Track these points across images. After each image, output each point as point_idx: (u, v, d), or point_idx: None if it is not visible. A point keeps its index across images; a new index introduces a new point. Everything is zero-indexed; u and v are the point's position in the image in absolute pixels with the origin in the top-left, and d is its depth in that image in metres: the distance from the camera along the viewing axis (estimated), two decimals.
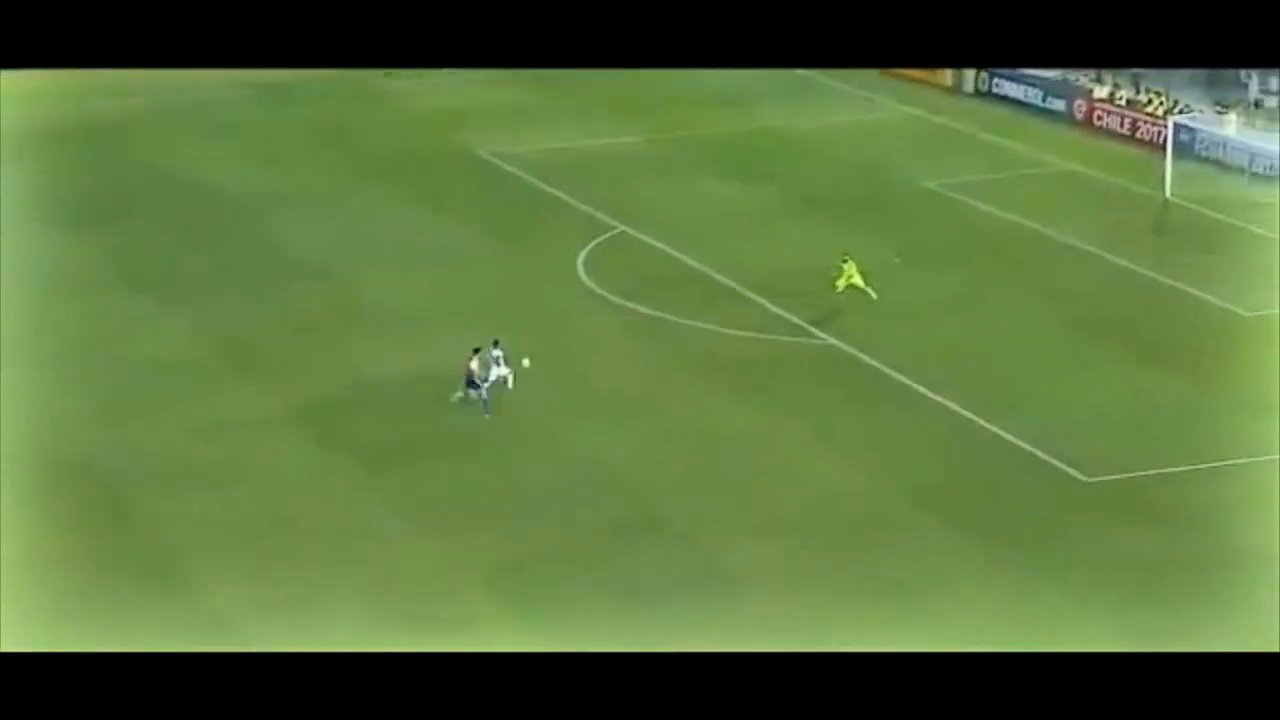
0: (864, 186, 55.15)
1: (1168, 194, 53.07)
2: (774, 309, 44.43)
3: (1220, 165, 54.99)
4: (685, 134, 61.00)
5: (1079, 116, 61.64)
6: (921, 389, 39.58)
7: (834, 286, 43.79)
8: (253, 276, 47.08)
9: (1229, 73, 60.84)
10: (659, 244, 49.48)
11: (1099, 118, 60.96)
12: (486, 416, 37.54)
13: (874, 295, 43.67)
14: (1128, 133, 59.59)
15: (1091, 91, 61.98)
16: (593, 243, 49.89)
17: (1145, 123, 59.03)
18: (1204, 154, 55.58)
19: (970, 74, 65.83)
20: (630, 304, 45.03)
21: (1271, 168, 53.63)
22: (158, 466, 35.78)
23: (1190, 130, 55.72)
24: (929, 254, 48.70)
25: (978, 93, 65.62)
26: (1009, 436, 37.10)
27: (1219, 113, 57.56)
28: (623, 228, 51.05)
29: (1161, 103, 59.56)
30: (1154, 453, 36.20)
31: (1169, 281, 46.05)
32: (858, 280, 43.70)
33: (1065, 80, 63.32)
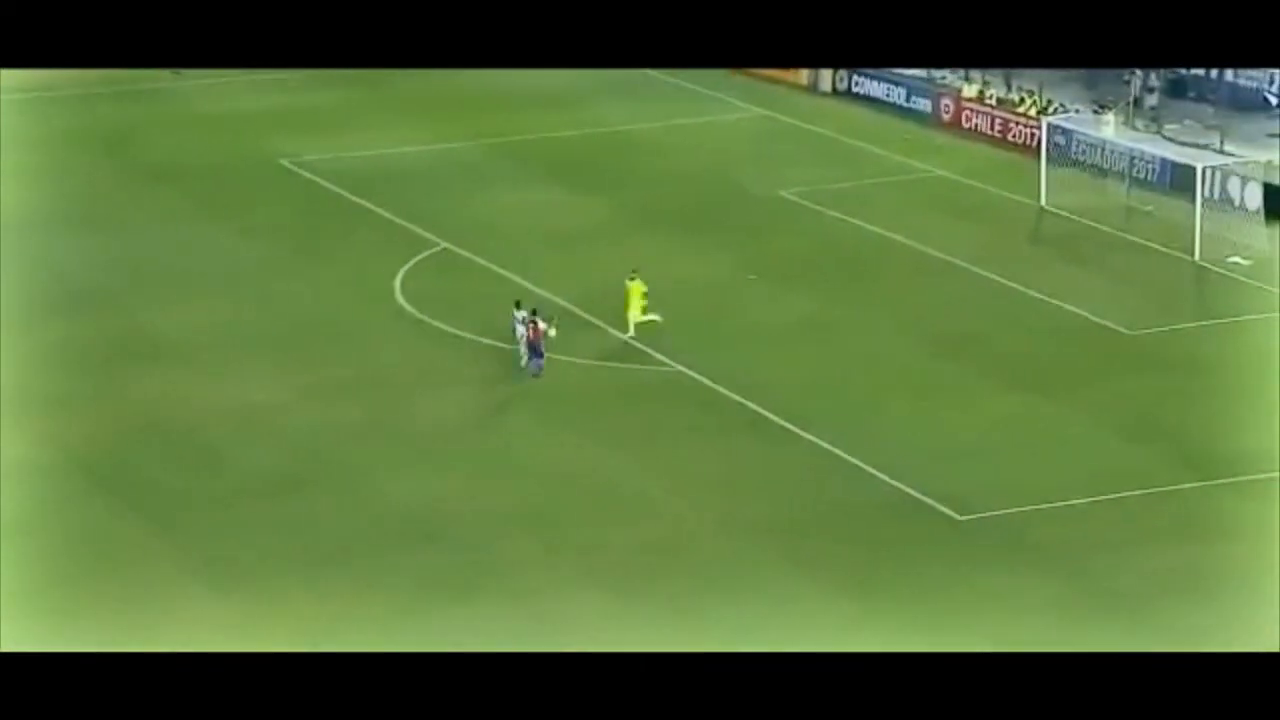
0: (710, 195, 55.49)
1: (1042, 202, 54.02)
2: (613, 332, 44.48)
3: (1098, 170, 56.06)
4: (510, 139, 60.98)
5: (946, 117, 62.58)
6: (776, 418, 39.83)
7: (628, 321, 43.34)
8: (15, 307, 46.09)
9: (1106, 70, 62.21)
10: (485, 262, 49.34)
11: (967, 118, 61.93)
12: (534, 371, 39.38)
13: (659, 319, 43.48)
14: (999, 135, 60.58)
15: (960, 90, 62.95)
16: (411, 261, 49.61)
17: (1018, 124, 60.06)
18: (1081, 158, 56.63)
19: (827, 71, 66.55)
20: (454, 330, 44.81)
21: (1153, 172, 54.82)
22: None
23: (1066, 132, 56.73)
24: (783, 270, 49.09)
25: (835, 92, 66.37)
26: (872, 470, 37.45)
27: (1096, 113, 58.68)
28: (444, 244, 50.83)
29: (1035, 102, 60.64)
30: (1031, 487, 36.72)
31: (1044, 298, 46.86)
32: (637, 311, 43.24)
33: (931, 78, 64.27)
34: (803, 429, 39.33)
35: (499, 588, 32.89)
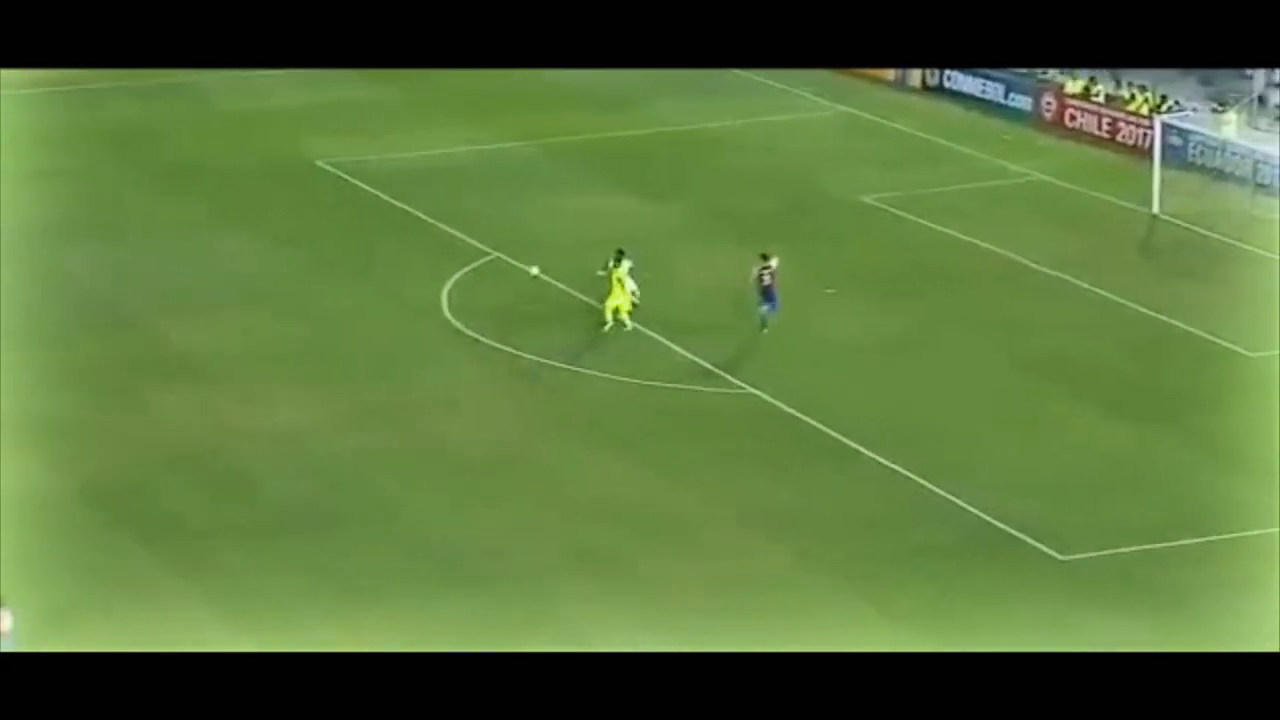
0: (786, 201, 55.71)
1: (1155, 209, 53.98)
2: (679, 350, 44.74)
3: (1218, 174, 55.98)
4: (567, 139, 61.37)
5: (1048, 116, 62.62)
6: (857, 445, 39.97)
7: (604, 318, 45.00)
8: (23, 321, 46.67)
9: None
10: (543, 275, 49.62)
11: (1072, 117, 61.96)
12: None
13: (628, 325, 45.07)
14: (1107, 135, 60.58)
15: (1063, 86, 62.99)
16: (460, 272, 50.02)
17: (1128, 123, 60.04)
18: (1198, 161, 56.58)
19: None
20: (506, 347, 45.16)
21: (1278, 177, 54.65)
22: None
23: (1182, 132, 56.68)
24: (865, 283, 49.24)
25: (925, 87, 66.52)
26: (963, 503, 37.54)
27: (1216, 111, 58.57)
28: (495, 254, 51.22)
29: (1147, 100, 60.60)
30: (1139, 524, 36.72)
31: (1155, 314, 46.85)
32: (619, 299, 44.96)
33: (1031, 73, 64.33)
34: (887, 457, 39.45)
35: (553, 632, 33.09)
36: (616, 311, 45.71)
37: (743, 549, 36.17)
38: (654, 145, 61.01)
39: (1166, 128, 56.22)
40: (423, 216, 54.15)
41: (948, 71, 65.80)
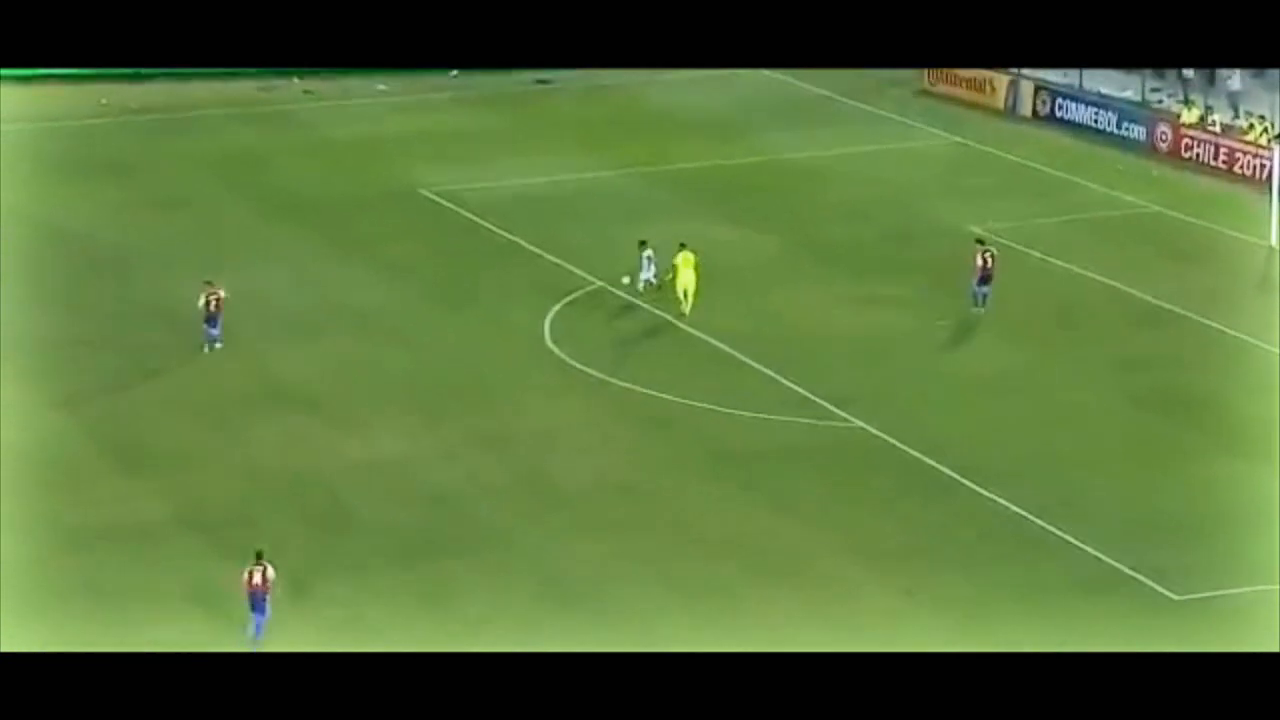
0: (894, 231, 55.56)
1: (1273, 241, 53.48)
2: (786, 383, 44.66)
3: None
4: (670, 167, 61.48)
5: (1163, 146, 62.18)
6: (968, 482, 39.77)
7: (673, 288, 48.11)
8: (135, 346, 47.16)
9: None
10: (643, 303, 49.75)
11: (1187, 147, 61.47)
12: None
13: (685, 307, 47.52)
14: (1224, 165, 60.08)
15: (1178, 115, 62.53)
16: (562, 302, 50.15)
17: (1245, 154, 59.52)
18: None
19: (1027, 93, 66.45)
20: (611, 379, 45.22)
21: None
22: (19, 584, 35.70)
23: None
24: (974, 315, 49.00)
25: (1036, 115, 66.23)
26: (1076, 541, 37.26)
27: None
28: (599, 283, 51.33)
29: (1266, 129, 60.05)
30: (1257, 564, 36.34)
31: (1275, 350, 46.37)
32: (686, 279, 47.89)
33: (1145, 102, 63.92)
34: (998, 494, 39.23)
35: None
36: (685, 293, 48.07)
37: (849, 585, 36.04)
38: (760, 175, 61.00)
39: None
40: (526, 245, 54.33)
41: (1059, 99, 65.50)
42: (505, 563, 36.85)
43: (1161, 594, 35.48)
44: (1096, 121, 64.37)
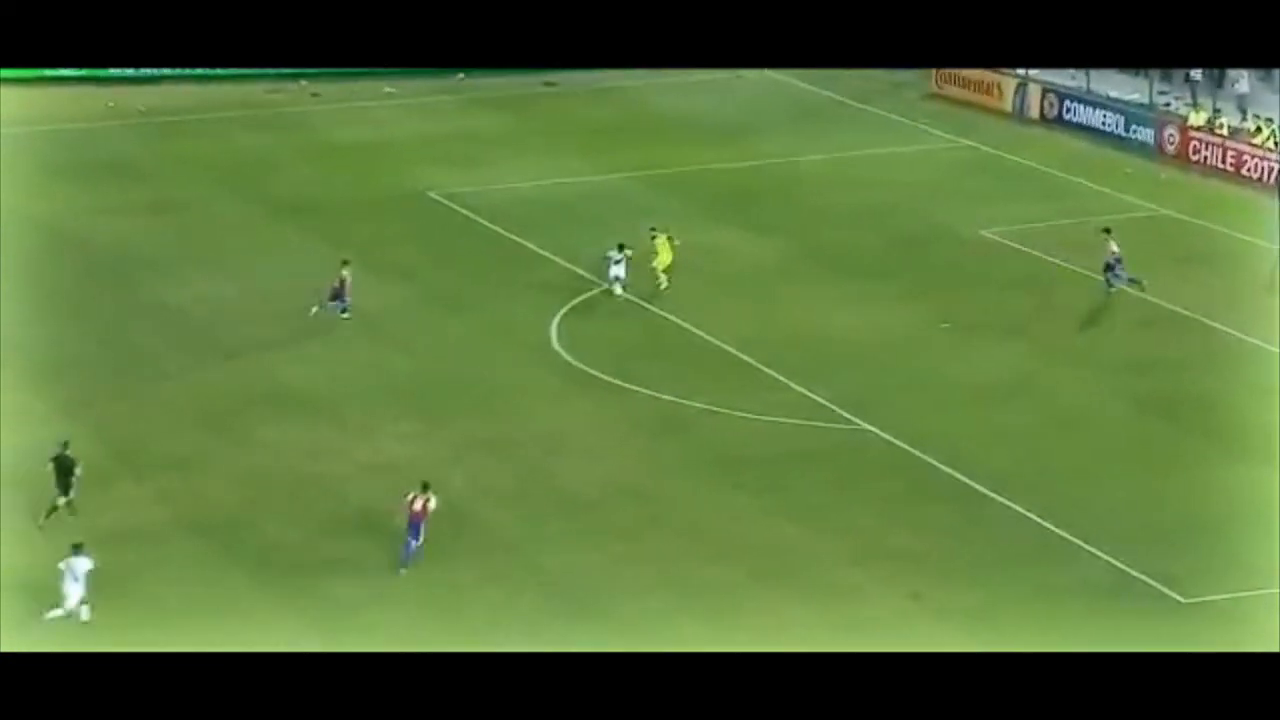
0: (902, 235, 55.54)
1: None
2: (795, 387, 44.63)
3: None
4: (677, 170, 61.46)
5: (1170, 149, 62.16)
6: (975, 484, 39.75)
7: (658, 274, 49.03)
8: (137, 352, 47.14)
9: None
10: (651, 306, 49.74)
11: (1195, 150, 61.44)
12: None
13: (664, 284, 49.20)
14: (1232, 169, 60.06)
15: (1186, 119, 62.50)
16: (569, 305, 50.15)
17: (1254, 156, 59.49)
18: None
19: (1035, 96, 66.44)
20: (617, 382, 45.21)
21: None
22: (22, 584, 35.70)
23: None
24: (984, 319, 49.00)
25: (1043, 118, 66.22)
26: (1083, 544, 37.25)
27: None
28: (605, 285, 51.32)
29: (1273, 132, 60.02)
30: (1264, 567, 36.32)
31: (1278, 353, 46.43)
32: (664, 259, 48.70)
33: (1152, 105, 63.89)
34: (1005, 497, 39.21)
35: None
36: (666, 270, 49.00)
37: (856, 589, 36.02)
38: (766, 178, 60.99)
39: None
40: (532, 247, 54.33)
41: (1067, 103, 65.48)
42: (511, 568, 36.83)
43: (1170, 597, 35.45)
44: (1104, 124, 64.36)
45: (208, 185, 60.48)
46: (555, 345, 47.58)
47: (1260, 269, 51.61)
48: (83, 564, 34.23)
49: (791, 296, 50.61)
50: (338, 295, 48.35)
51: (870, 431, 42.47)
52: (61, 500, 37.79)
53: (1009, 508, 38.86)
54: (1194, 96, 64.21)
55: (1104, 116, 64.45)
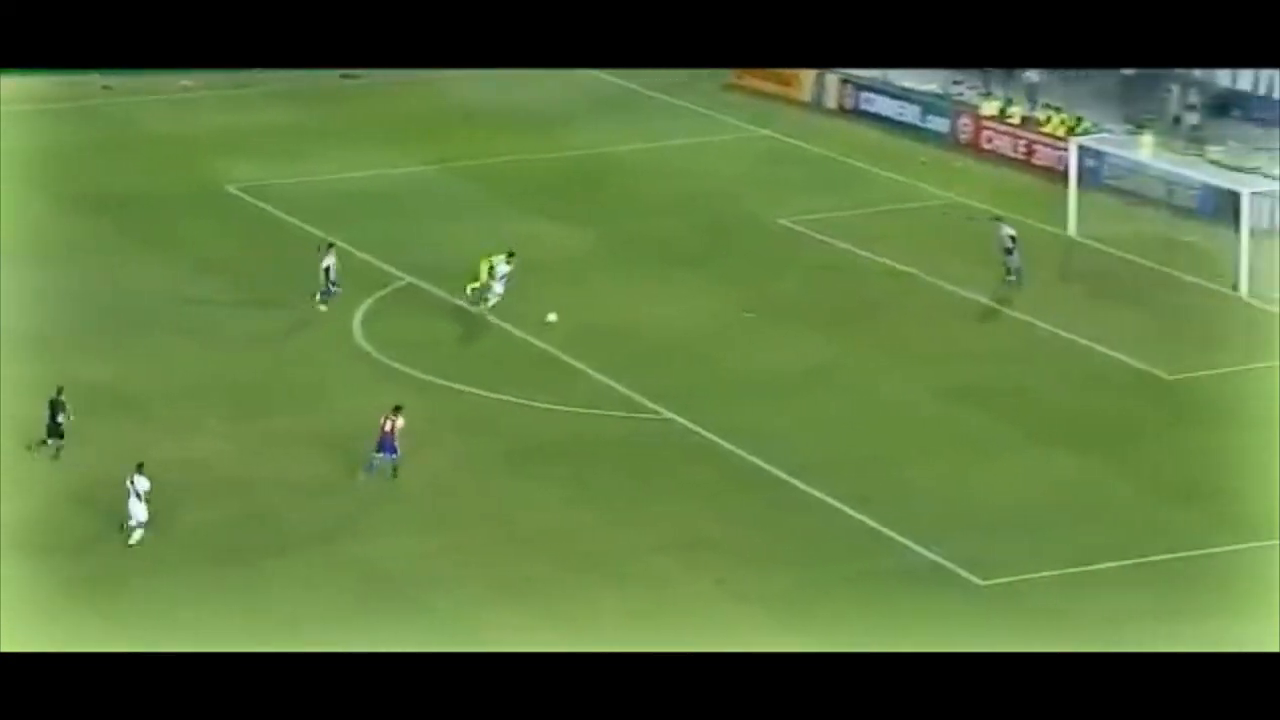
0: (705, 224, 56.10)
1: (1072, 232, 54.63)
2: (599, 378, 44.98)
3: (1134, 196, 56.71)
4: (484, 162, 61.56)
5: (964, 138, 63.26)
6: (780, 473, 40.34)
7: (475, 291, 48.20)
8: None
9: (1142, 84, 62.93)
10: (456, 299, 49.84)
11: (988, 139, 62.60)
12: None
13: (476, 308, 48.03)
14: (1023, 157, 61.25)
15: (978, 108, 63.64)
16: (372, 298, 50.11)
17: (1044, 145, 60.71)
18: (1114, 183, 57.29)
19: (833, 87, 67.30)
20: (423, 375, 45.28)
21: (1195, 199, 55.44)
22: None
23: (1097, 154, 57.33)
24: (786, 307, 49.66)
25: (842, 109, 67.07)
26: (887, 530, 37.97)
27: (1131, 133, 59.28)
28: (409, 279, 51.35)
29: (1063, 121, 61.31)
30: (1061, 550, 37.24)
31: (1075, 339, 47.45)
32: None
33: (947, 95, 65.00)
34: (810, 485, 39.84)
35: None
36: (474, 290, 48.27)
37: (662, 577, 36.46)
38: (572, 169, 61.28)
39: (1082, 150, 56.72)
40: (334, 241, 54.11)
41: (864, 93, 66.39)
42: (321, 561, 36.85)
43: (968, 580, 36.24)
44: (900, 114, 65.28)
45: (8, 178, 59.40)
46: (359, 338, 47.55)
47: (1051, 256, 52.79)
48: (143, 483, 36.93)
49: (599, 287, 50.93)
50: (327, 287, 48.60)
51: (676, 421, 42.95)
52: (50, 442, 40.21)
53: (814, 496, 39.50)
54: (987, 86, 65.41)
55: (900, 107, 65.41)
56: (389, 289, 50.74)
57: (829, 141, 63.53)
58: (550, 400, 43.59)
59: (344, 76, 69.26)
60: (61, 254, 53.11)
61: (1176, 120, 61.28)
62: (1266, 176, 54.80)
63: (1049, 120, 61.72)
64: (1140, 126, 59.87)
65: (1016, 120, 62.54)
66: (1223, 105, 62.24)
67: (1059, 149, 59.21)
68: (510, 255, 48.45)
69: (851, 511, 38.77)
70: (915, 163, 61.33)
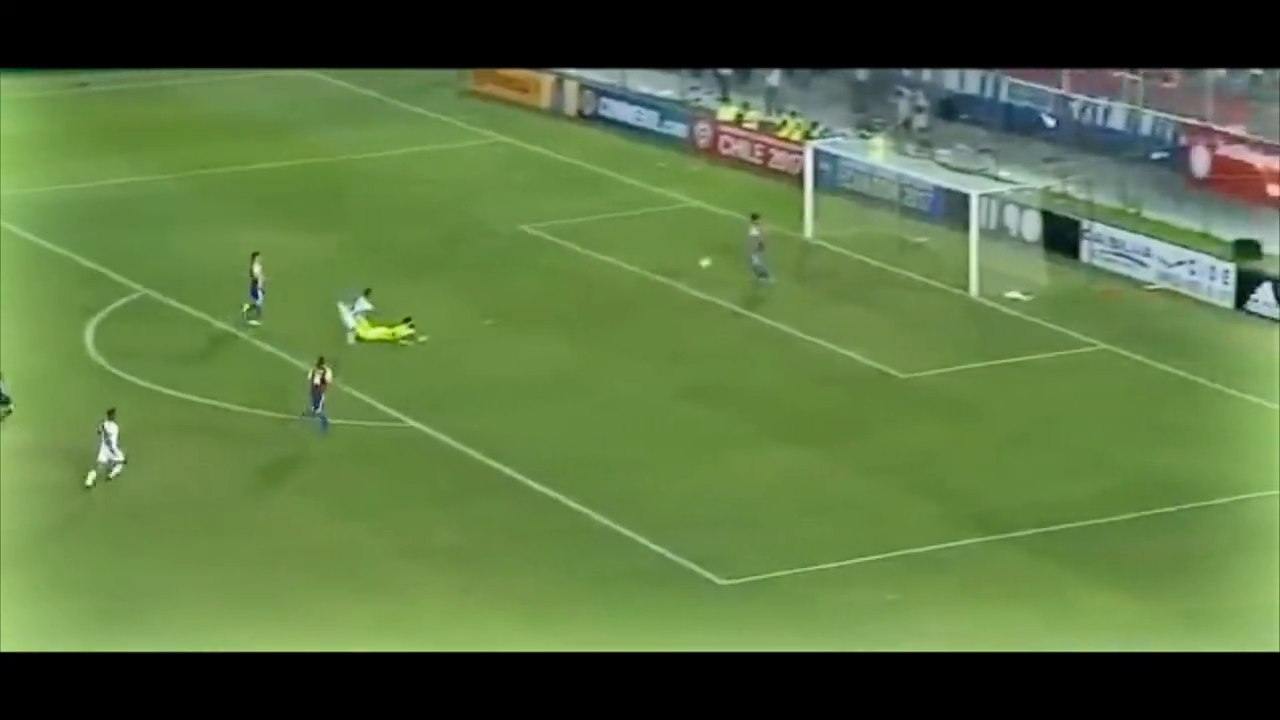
0: (444, 231, 56.12)
1: (808, 234, 55.49)
2: (343, 388, 44.75)
3: (867, 199, 57.74)
4: (216, 171, 60.96)
5: (702, 143, 63.93)
6: (523, 478, 40.54)
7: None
8: None
9: (873, 88, 64.15)
10: (194, 311, 49.33)
11: (725, 144, 63.32)
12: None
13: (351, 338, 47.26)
14: (760, 162, 62.04)
15: (716, 113, 64.37)
16: (106, 310, 49.41)
17: (780, 150, 61.55)
18: (849, 186, 58.28)
19: (571, 93, 67.64)
20: (158, 388, 44.76)
21: (926, 201, 56.62)
22: None
23: (831, 158, 58.22)
24: (526, 313, 49.87)
25: (581, 115, 67.44)
26: (628, 532, 38.33)
27: (864, 137, 60.37)
28: (145, 290, 50.71)
29: (798, 125, 62.25)
30: (801, 547, 37.86)
31: (811, 339, 48.23)
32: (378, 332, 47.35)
33: (684, 100, 65.66)
34: (552, 489, 40.08)
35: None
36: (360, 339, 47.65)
37: (407, 584, 36.45)
38: (308, 177, 60.87)
39: (817, 154, 57.51)
40: (62, 252, 53.31)
41: (603, 99, 66.82)
42: (54, 573, 36.27)
43: (707, 579, 36.69)
44: (639, 120, 65.76)
45: None
46: (92, 352, 46.85)
47: (789, 258, 53.55)
48: (113, 428, 39.00)
49: (334, 294, 50.61)
50: (254, 290, 48.00)
51: (417, 429, 42.94)
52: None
53: (557, 500, 39.74)
54: (724, 91, 66.17)
55: (639, 112, 65.90)
56: (121, 301, 50.02)
57: (569, 147, 63.82)
58: (295, 411, 43.28)
59: (78, 85, 68.01)
60: None
61: (906, 124, 62.54)
62: (993, 178, 56.13)
63: (785, 125, 62.57)
64: (871, 130, 60.98)
65: (754, 125, 63.31)
66: (950, 109, 63.68)
67: (795, 153, 60.01)
68: (368, 292, 48.10)
69: (592, 513, 39.07)
70: (654, 168, 61.84)
